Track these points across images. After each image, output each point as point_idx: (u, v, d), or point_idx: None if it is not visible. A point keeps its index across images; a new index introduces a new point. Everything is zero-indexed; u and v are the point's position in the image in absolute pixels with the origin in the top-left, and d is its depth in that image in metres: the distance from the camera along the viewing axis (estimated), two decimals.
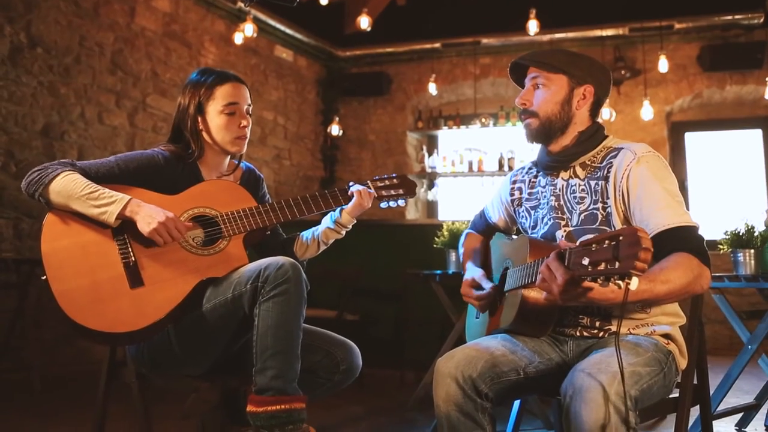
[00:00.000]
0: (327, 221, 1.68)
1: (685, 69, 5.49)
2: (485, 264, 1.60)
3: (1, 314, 3.49)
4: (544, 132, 1.41)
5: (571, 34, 5.65)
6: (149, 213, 1.42)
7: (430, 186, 6.31)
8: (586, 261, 0.94)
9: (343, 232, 1.68)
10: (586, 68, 1.40)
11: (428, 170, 6.22)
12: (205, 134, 1.59)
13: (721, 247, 2.52)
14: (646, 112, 5.23)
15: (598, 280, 0.92)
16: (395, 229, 4.34)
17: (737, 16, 5.21)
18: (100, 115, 4.21)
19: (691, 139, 5.77)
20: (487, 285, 1.42)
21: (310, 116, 6.26)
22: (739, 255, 2.46)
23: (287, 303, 1.35)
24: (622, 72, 5.45)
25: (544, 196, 1.46)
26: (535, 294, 1.26)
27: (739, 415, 2.57)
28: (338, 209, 1.65)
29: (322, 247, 1.72)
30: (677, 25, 5.37)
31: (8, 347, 3.37)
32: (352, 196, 1.61)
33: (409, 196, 1.68)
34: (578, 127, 1.41)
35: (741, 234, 2.47)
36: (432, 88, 5.66)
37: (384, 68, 6.27)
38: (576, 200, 1.38)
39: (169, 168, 1.55)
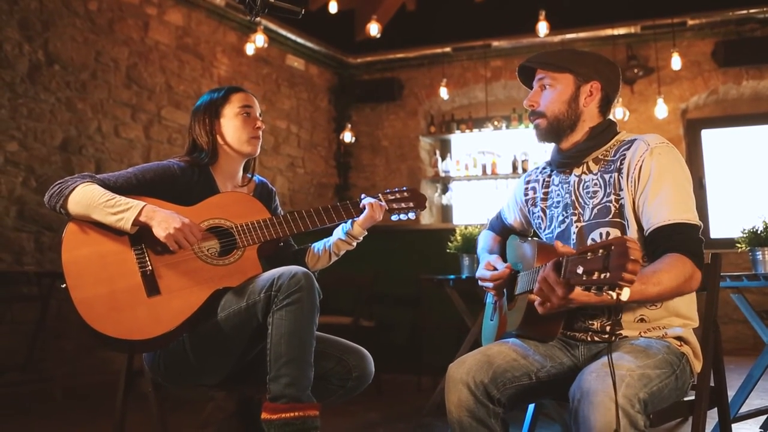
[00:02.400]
0: (338, 233, 1.71)
1: (700, 65, 5.42)
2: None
3: (23, 326, 3.56)
4: (553, 131, 1.41)
5: (582, 34, 5.62)
6: (165, 218, 1.45)
7: (444, 190, 6.31)
8: (580, 270, 0.94)
9: (354, 244, 1.71)
10: (591, 65, 1.39)
11: (442, 174, 6.21)
12: (219, 138, 1.64)
13: (739, 245, 2.48)
14: (660, 110, 5.17)
15: (592, 289, 0.93)
16: (410, 235, 4.34)
17: (752, 11, 5.13)
18: (116, 129, 4.29)
19: (708, 136, 5.68)
20: (501, 266, 1.42)
21: (322, 124, 6.30)
22: (757, 253, 2.42)
23: (300, 311, 1.37)
24: (635, 71, 5.39)
25: (558, 195, 1.45)
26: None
27: (762, 417, 2.51)
28: (350, 221, 1.67)
29: (334, 258, 1.74)
30: (690, 22, 5.31)
31: (30, 358, 3.43)
32: (364, 208, 1.65)
33: (419, 209, 1.71)
34: (588, 123, 1.40)
35: (759, 232, 2.43)
36: (443, 93, 5.66)
37: (395, 74, 6.30)
38: (589, 194, 1.38)
39: (185, 177, 1.59)
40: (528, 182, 1.57)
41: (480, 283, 1.50)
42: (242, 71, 5.33)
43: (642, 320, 1.32)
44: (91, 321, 1.37)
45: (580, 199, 1.39)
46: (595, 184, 1.37)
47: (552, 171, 1.50)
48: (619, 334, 1.31)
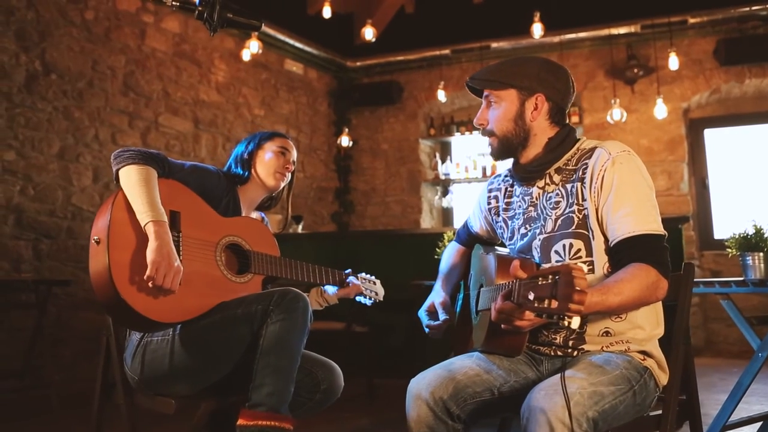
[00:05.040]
0: (314, 295, 1.88)
1: (701, 64, 5.35)
2: (465, 276, 1.59)
3: (21, 333, 3.61)
4: (504, 149, 1.40)
5: (582, 34, 5.58)
6: (166, 247, 1.43)
7: (445, 193, 6.29)
8: (531, 296, 0.93)
9: (323, 307, 1.90)
10: (534, 76, 1.35)
11: (442, 177, 6.19)
12: (253, 165, 1.79)
13: (729, 250, 2.44)
14: (660, 110, 5.11)
15: (543, 315, 0.92)
16: (409, 239, 4.33)
17: (755, 8, 5.05)
18: (113, 136, 4.33)
19: (711, 135, 5.61)
20: (443, 316, 1.43)
21: (322, 128, 6.31)
22: (747, 258, 2.38)
23: (294, 328, 1.44)
24: (635, 70, 5.34)
25: (520, 207, 1.43)
26: None
27: (757, 425, 2.47)
28: (333, 287, 1.86)
29: None
30: (691, 20, 5.24)
31: (28, 365, 3.48)
32: (349, 284, 1.85)
33: (379, 299, 1.96)
34: (543, 136, 1.37)
35: (749, 236, 2.39)
36: (441, 95, 5.65)
37: (395, 77, 6.29)
38: (551, 206, 1.35)
39: (221, 187, 1.70)
40: (491, 190, 1.54)
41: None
42: (240, 77, 5.35)
43: (607, 333, 1.29)
44: (118, 283, 1.39)
45: (544, 212, 1.37)
46: (558, 195, 1.35)
47: (514, 181, 1.48)
48: (581, 348, 1.29)
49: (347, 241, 4.73)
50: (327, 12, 4.44)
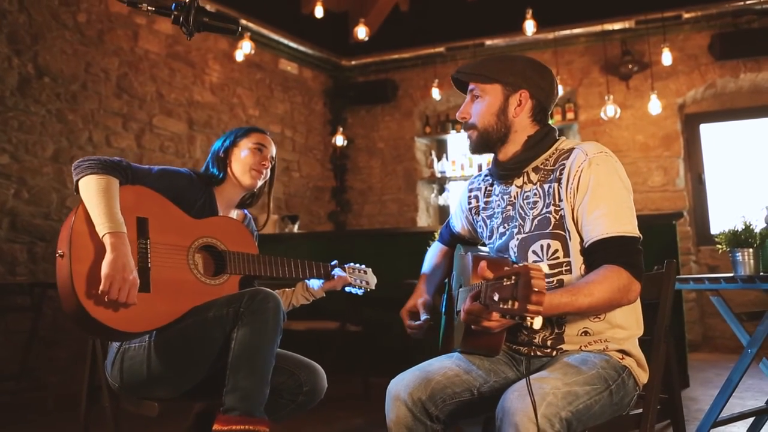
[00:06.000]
0: (300, 289, 1.83)
1: (696, 59, 5.33)
2: (448, 276, 1.60)
3: (16, 335, 3.62)
4: (483, 143, 1.39)
5: (576, 30, 5.56)
6: (122, 259, 1.40)
7: (441, 191, 6.29)
8: (496, 297, 0.94)
9: (311, 300, 1.85)
10: (520, 73, 1.36)
11: (438, 175, 6.19)
12: (229, 164, 1.75)
13: (719, 246, 2.43)
14: (654, 106, 5.10)
15: (507, 316, 0.92)
16: (404, 237, 4.33)
17: (749, 2, 5.03)
18: (107, 139, 4.34)
19: (707, 130, 5.60)
20: (424, 316, 1.42)
21: (318, 127, 6.30)
22: (737, 254, 2.37)
23: (265, 330, 1.42)
24: (629, 66, 5.32)
25: (499, 206, 1.43)
26: None
27: (750, 420, 2.47)
28: (318, 281, 1.81)
29: (290, 308, 1.83)
30: (686, 15, 5.23)
31: (24, 367, 3.49)
32: (334, 276, 1.80)
33: (369, 287, 1.89)
34: (523, 134, 1.38)
35: (738, 232, 2.38)
36: (435, 93, 5.64)
37: (390, 75, 6.28)
38: (529, 205, 1.35)
39: (194, 188, 1.67)
40: (471, 190, 1.54)
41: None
42: (234, 77, 5.35)
43: (585, 333, 1.30)
44: (80, 295, 1.39)
45: (522, 211, 1.37)
46: (536, 195, 1.35)
47: (493, 180, 1.48)
48: (560, 348, 1.29)
49: (344, 240, 4.74)
50: (319, 12, 4.44)
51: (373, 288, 1.91)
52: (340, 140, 6.06)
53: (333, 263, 1.83)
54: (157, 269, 1.49)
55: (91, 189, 1.45)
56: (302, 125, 6.10)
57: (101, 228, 1.42)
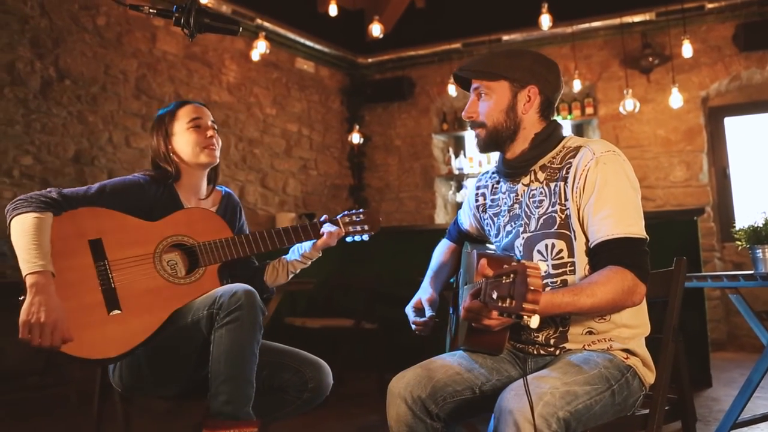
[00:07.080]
0: (294, 253, 1.76)
1: (720, 50, 5.19)
2: (456, 273, 1.59)
3: None
4: (492, 141, 1.37)
5: (595, 24, 5.47)
6: (43, 304, 1.33)
7: (459, 188, 6.25)
8: (495, 295, 0.93)
9: (309, 263, 1.77)
10: (527, 68, 1.33)
11: (455, 172, 6.16)
12: (175, 156, 1.66)
13: (738, 243, 2.37)
14: (675, 99, 4.98)
15: (504, 315, 0.91)
16: (421, 235, 4.31)
17: None
18: (127, 139, 4.42)
19: (732, 124, 5.45)
20: (429, 312, 1.41)
21: (335, 125, 6.32)
22: (757, 251, 2.32)
23: (240, 329, 1.38)
24: (650, 59, 5.21)
25: (505, 203, 1.42)
26: None
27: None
28: (309, 242, 1.71)
29: (291, 276, 1.79)
30: (708, 5, 5.09)
31: (49, 363, 3.58)
32: (323, 233, 1.69)
33: (372, 231, 1.77)
34: (531, 130, 1.36)
35: (759, 228, 2.32)
36: (452, 90, 5.61)
37: (406, 72, 6.27)
38: (535, 204, 1.34)
39: (150, 191, 1.61)
40: (478, 187, 1.53)
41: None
42: (251, 77, 5.39)
43: (590, 332, 1.28)
44: None
45: (528, 210, 1.35)
46: (542, 194, 1.33)
47: (500, 178, 1.46)
48: (563, 347, 1.27)
49: None
50: (333, 10, 4.44)
51: (378, 230, 1.78)
52: (357, 138, 6.06)
53: (322, 219, 1.72)
54: (123, 286, 1.46)
55: (15, 232, 1.41)
56: (319, 123, 6.12)
57: (23, 270, 1.38)
